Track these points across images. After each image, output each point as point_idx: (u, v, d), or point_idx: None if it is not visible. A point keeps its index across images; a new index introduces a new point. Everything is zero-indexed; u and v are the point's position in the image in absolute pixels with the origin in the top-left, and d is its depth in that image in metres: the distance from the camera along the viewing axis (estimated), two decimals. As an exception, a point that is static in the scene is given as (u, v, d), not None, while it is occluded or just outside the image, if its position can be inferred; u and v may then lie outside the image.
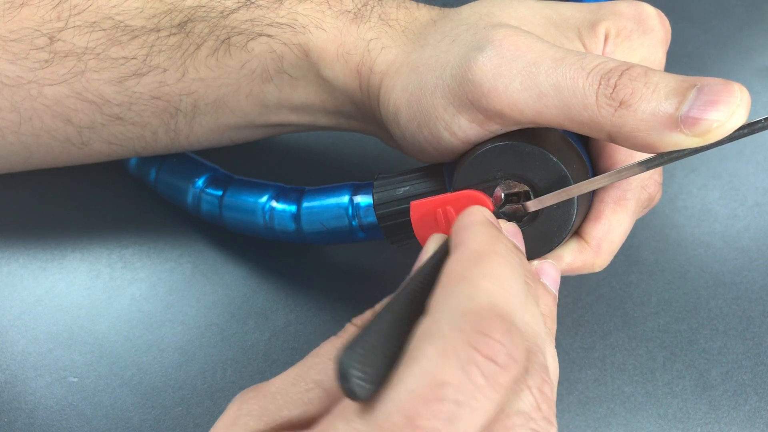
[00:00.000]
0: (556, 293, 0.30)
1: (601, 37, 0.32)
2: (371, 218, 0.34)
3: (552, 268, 0.30)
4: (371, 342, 0.21)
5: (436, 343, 0.21)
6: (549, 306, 0.29)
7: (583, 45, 0.32)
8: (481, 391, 0.21)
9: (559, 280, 0.30)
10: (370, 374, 0.21)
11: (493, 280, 0.23)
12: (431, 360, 0.21)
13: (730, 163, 0.45)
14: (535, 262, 0.30)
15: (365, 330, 0.21)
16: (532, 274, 0.27)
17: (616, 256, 0.42)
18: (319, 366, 0.25)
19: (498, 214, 0.30)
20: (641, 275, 0.42)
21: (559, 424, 0.39)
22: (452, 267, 0.24)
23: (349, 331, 0.26)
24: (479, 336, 0.21)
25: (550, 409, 0.23)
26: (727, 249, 0.43)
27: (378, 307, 0.26)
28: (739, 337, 0.41)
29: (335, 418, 0.22)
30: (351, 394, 0.20)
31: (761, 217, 0.44)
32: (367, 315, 0.26)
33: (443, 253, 0.25)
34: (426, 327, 0.22)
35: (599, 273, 0.42)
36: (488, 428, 0.21)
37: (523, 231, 0.30)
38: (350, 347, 0.20)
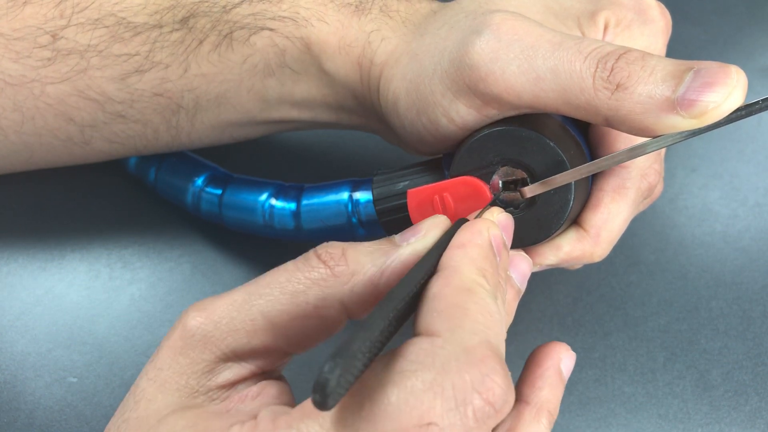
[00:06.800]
0: (522, 287, 0.29)
1: (601, 27, 0.32)
2: (371, 214, 0.34)
3: (523, 261, 0.30)
4: (358, 354, 0.20)
5: (434, 373, 0.21)
6: (508, 300, 0.29)
7: (583, 34, 0.32)
8: None
9: (528, 273, 0.30)
10: (344, 386, 0.20)
11: (487, 315, 0.23)
12: (425, 393, 0.21)
13: (731, 163, 0.45)
14: (510, 253, 0.30)
15: (355, 340, 0.20)
16: (504, 270, 0.27)
17: (616, 256, 0.42)
18: (267, 296, 0.25)
19: (495, 202, 0.30)
20: (642, 275, 0.42)
21: (559, 424, 0.39)
22: (444, 292, 0.23)
23: (311, 263, 0.25)
24: (483, 378, 0.21)
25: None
26: (728, 249, 0.43)
27: (351, 255, 0.25)
28: (740, 338, 0.41)
29: (309, 417, 0.22)
30: (318, 407, 0.19)
31: (762, 217, 0.44)
32: (336, 253, 0.25)
33: (438, 256, 0.25)
34: (426, 351, 0.22)
35: (599, 273, 0.42)
36: None
37: (520, 218, 0.30)
38: (338, 360, 0.19)
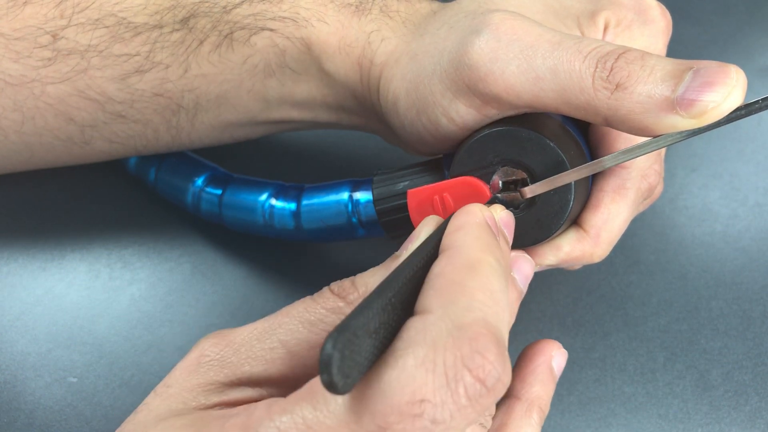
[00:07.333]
0: (524, 289, 0.29)
1: (601, 27, 0.32)
2: (371, 214, 0.34)
3: (526, 263, 0.30)
4: (358, 331, 0.20)
5: (425, 350, 0.21)
6: (510, 300, 0.28)
7: (582, 34, 0.32)
8: (461, 411, 0.21)
9: (531, 275, 0.30)
10: (353, 367, 0.20)
11: (488, 293, 0.23)
12: (417, 369, 0.20)
13: (730, 163, 0.45)
14: (513, 254, 0.30)
15: (352, 316, 0.20)
16: (506, 256, 0.27)
17: (616, 256, 0.42)
18: (287, 326, 0.25)
19: (495, 201, 0.30)
20: (642, 275, 0.42)
21: (559, 424, 0.39)
22: (445, 270, 0.23)
23: (326, 296, 0.26)
24: (474, 354, 0.21)
25: (492, 406, 0.24)
26: (728, 249, 0.43)
27: (359, 280, 0.26)
28: (740, 338, 0.41)
29: (303, 399, 0.22)
30: (330, 388, 0.19)
31: (762, 217, 0.44)
32: (346, 284, 0.26)
33: (437, 240, 0.25)
34: (418, 328, 0.22)
35: (599, 273, 0.42)
36: None
37: (520, 218, 0.30)
38: (336, 335, 0.19)
